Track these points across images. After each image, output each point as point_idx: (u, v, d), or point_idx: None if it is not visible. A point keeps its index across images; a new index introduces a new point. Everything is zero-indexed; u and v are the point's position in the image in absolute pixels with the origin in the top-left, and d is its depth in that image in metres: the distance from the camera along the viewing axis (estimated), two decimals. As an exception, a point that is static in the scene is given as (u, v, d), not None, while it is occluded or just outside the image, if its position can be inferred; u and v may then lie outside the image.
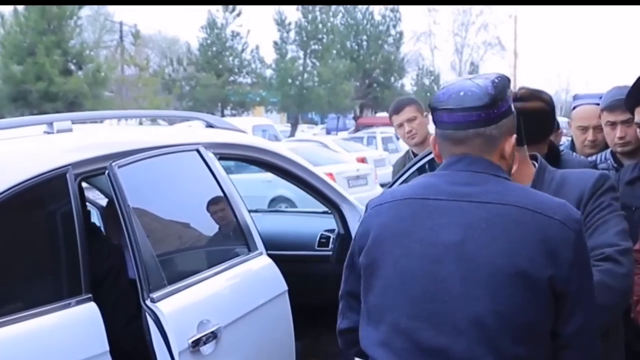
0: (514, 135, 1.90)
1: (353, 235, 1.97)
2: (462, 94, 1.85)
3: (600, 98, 3.52)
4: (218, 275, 2.90)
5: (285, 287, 3.17)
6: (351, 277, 1.96)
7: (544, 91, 2.71)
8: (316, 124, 45.61)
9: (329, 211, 4.15)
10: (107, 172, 2.60)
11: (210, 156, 3.14)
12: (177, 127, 3.59)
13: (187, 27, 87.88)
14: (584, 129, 3.50)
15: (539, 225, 1.73)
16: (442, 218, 1.78)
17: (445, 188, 1.83)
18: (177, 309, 2.58)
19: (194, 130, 3.48)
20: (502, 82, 1.88)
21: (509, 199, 1.77)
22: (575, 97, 3.67)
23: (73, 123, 2.81)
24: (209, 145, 3.20)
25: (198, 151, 3.10)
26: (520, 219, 1.74)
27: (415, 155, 4.35)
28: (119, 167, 2.62)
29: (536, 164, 2.35)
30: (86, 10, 32.01)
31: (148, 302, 2.52)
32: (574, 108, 3.58)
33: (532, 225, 1.73)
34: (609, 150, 3.37)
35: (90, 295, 2.39)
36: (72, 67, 26.28)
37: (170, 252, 2.95)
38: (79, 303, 2.36)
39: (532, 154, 2.41)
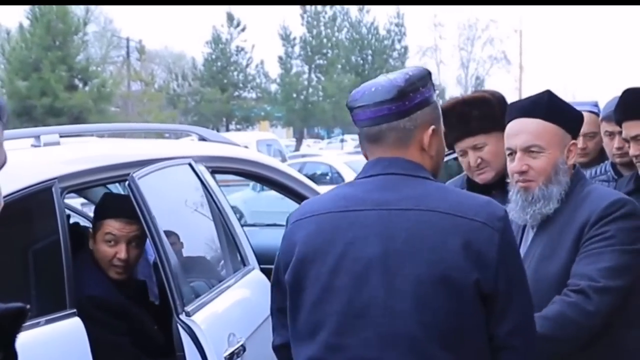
0: (432, 127, 1.85)
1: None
2: (373, 89, 1.83)
3: (594, 106, 3.49)
4: (230, 289, 2.89)
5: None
6: (278, 294, 1.92)
7: (496, 91, 2.82)
8: (322, 138, 45.57)
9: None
10: (128, 183, 2.55)
11: (202, 169, 3.11)
12: (170, 141, 3.56)
13: (192, 42, 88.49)
14: None
15: (460, 230, 1.71)
16: (362, 230, 1.75)
17: (363, 197, 1.80)
18: (211, 323, 2.55)
19: (186, 144, 3.45)
20: (418, 75, 1.85)
21: (428, 203, 1.74)
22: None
23: (61, 137, 2.78)
24: (202, 159, 3.17)
25: (190, 165, 3.07)
26: (441, 225, 1.71)
27: None
28: (139, 178, 2.58)
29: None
30: (93, 27, 32.27)
31: (183, 316, 2.47)
32: None
33: (454, 230, 1.71)
34: (609, 162, 3.33)
35: (75, 310, 2.35)
36: (78, 82, 26.43)
37: (188, 266, 2.93)
38: (63, 318, 2.32)
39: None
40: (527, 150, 2.27)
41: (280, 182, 3.66)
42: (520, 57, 46.43)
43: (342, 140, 36.57)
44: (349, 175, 16.95)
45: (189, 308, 2.50)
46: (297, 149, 31.45)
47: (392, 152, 1.83)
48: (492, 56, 46.84)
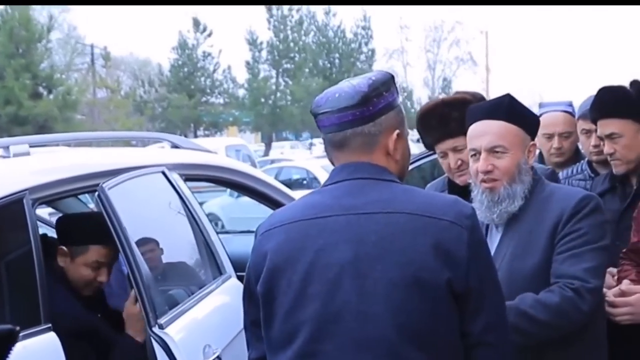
0: (397, 131, 1.86)
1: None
2: (337, 95, 1.84)
3: (569, 105, 3.51)
4: (205, 299, 2.85)
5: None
6: (251, 307, 1.91)
7: (477, 92, 2.84)
8: (291, 142, 45.56)
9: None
10: (97, 194, 2.50)
11: (175, 177, 3.07)
12: (142, 149, 3.51)
13: (158, 48, 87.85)
14: (550, 136, 3.47)
15: (429, 230, 1.72)
16: (332, 236, 1.75)
17: (331, 203, 1.80)
18: (185, 335, 2.51)
19: (158, 152, 3.40)
20: (381, 79, 1.85)
21: (396, 206, 1.75)
22: (540, 105, 3.64)
23: (31, 147, 2.72)
24: (175, 167, 3.13)
25: (163, 173, 3.03)
26: (410, 226, 1.72)
27: None
28: (109, 188, 2.53)
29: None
30: (56, 34, 31.88)
31: (156, 329, 2.43)
32: (540, 115, 3.55)
33: (423, 231, 1.72)
34: (585, 161, 3.35)
35: (50, 325, 2.30)
36: (42, 90, 26.12)
37: (159, 277, 2.88)
38: (38, 333, 2.26)
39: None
40: (492, 150, 2.34)
41: (255, 189, 3.64)
42: (487, 58, 46.89)
43: (310, 145, 36.59)
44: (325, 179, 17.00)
45: (162, 320, 2.46)
46: (266, 153, 31.39)
47: (357, 158, 1.83)
48: (458, 57, 47.26)
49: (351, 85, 1.84)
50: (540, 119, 3.51)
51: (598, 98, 2.81)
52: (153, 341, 2.43)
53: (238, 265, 3.21)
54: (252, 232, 5.23)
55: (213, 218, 13.15)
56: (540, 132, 3.50)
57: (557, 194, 2.33)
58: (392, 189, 1.80)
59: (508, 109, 2.36)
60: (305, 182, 14.91)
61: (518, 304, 2.17)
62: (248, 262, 1.89)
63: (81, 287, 2.83)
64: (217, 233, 3.29)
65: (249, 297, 1.91)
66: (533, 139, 2.42)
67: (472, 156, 2.39)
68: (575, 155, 3.51)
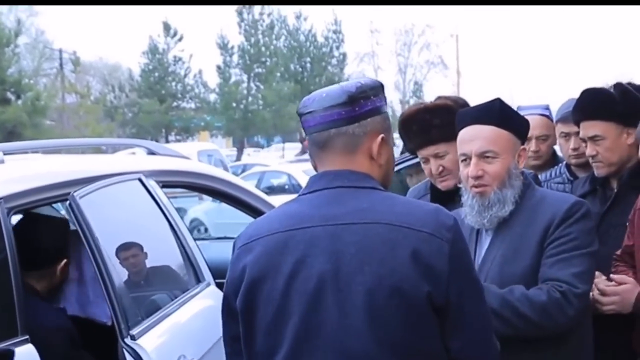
0: (382, 135, 1.83)
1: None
2: (324, 95, 1.83)
3: (546, 109, 3.54)
4: (181, 309, 2.81)
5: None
6: (230, 322, 1.87)
7: (459, 97, 2.86)
8: (262, 147, 45.49)
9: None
10: (68, 203, 2.47)
11: (152, 184, 3.04)
12: (118, 156, 3.48)
13: (128, 53, 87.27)
14: (527, 139, 3.49)
15: (408, 241, 1.68)
16: (311, 248, 1.72)
17: (310, 213, 1.77)
18: (159, 346, 2.48)
19: (135, 158, 3.37)
20: (370, 84, 1.85)
21: (375, 216, 1.72)
22: (518, 108, 3.66)
23: (5, 154, 2.67)
24: (151, 173, 3.10)
25: (140, 180, 3.00)
26: (389, 237, 1.69)
27: None
28: (80, 197, 2.50)
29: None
30: (24, 38, 31.48)
31: (128, 340, 2.39)
32: None
33: (402, 242, 1.68)
34: (563, 164, 3.38)
35: (28, 337, 2.25)
36: (10, 96, 25.76)
37: (135, 286, 2.85)
38: (15, 345, 2.21)
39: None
40: (482, 155, 2.34)
41: (231, 195, 3.62)
42: (457, 61, 47.17)
43: (282, 149, 36.55)
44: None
45: (135, 330, 2.43)
46: (238, 158, 31.28)
47: (340, 159, 1.81)
48: (429, 61, 47.48)
49: (339, 86, 1.84)
50: None
51: (581, 100, 2.83)
52: (125, 353, 2.39)
53: (217, 272, 3.18)
54: (230, 238, 5.23)
55: (198, 224, 13.17)
56: None
57: (548, 199, 2.35)
58: (372, 197, 1.77)
59: (499, 113, 2.37)
60: (286, 187, 14.89)
61: (506, 294, 2.20)
62: (227, 277, 1.86)
63: (46, 294, 2.81)
64: (195, 240, 3.26)
65: (227, 312, 1.87)
66: (523, 143, 2.43)
67: (462, 161, 2.39)
68: (553, 158, 3.53)
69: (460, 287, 1.70)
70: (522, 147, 2.40)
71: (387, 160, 1.86)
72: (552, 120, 3.51)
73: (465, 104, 2.81)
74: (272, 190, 14.46)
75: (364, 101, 1.81)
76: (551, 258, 2.24)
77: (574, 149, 3.20)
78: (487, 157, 2.33)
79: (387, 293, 1.66)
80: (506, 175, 2.33)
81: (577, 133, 3.16)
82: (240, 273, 1.78)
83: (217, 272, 3.24)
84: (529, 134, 3.45)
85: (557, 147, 3.55)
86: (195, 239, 3.39)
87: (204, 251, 3.23)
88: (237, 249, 1.84)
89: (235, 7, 35.34)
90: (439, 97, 2.97)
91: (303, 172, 14.91)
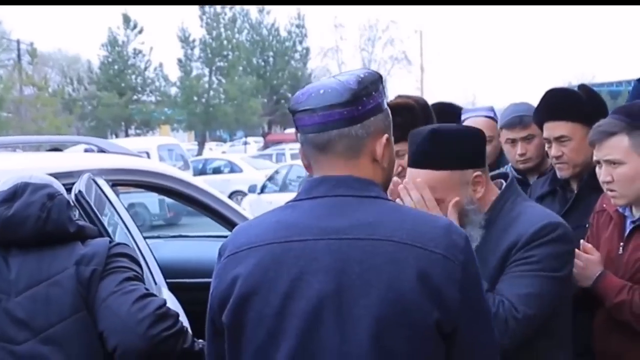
0: (385, 135, 1.70)
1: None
2: (322, 91, 1.65)
3: (490, 110, 3.54)
4: None
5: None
6: (217, 341, 1.70)
7: (420, 97, 2.72)
8: (225, 141, 45.26)
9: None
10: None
11: (102, 183, 2.96)
12: (68, 153, 3.39)
13: (88, 44, 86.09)
14: None
15: (418, 263, 1.54)
16: (311, 264, 1.56)
17: (309, 224, 1.61)
18: None
19: (84, 156, 3.29)
20: (370, 78, 1.68)
21: (383, 231, 1.57)
22: (463, 112, 3.64)
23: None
24: (101, 172, 3.03)
25: (90, 178, 2.91)
26: (397, 257, 1.54)
27: None
28: None
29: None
30: (-20, 29, 30.79)
31: None
32: (463, 121, 3.56)
33: (411, 263, 1.54)
34: (509, 166, 3.37)
35: None
36: (-35, 87, 25.19)
37: None
38: None
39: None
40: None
41: (184, 193, 3.55)
42: (421, 57, 47.39)
43: (245, 143, 36.41)
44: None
45: None
46: (199, 152, 31.07)
47: (342, 163, 1.66)
48: (393, 57, 47.63)
49: (338, 81, 1.65)
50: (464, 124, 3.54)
51: (547, 100, 2.80)
52: None
53: (169, 273, 3.12)
54: (184, 236, 5.16)
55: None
56: None
57: (522, 217, 2.14)
58: (379, 209, 1.62)
59: (432, 154, 2.13)
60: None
61: None
62: (211, 288, 1.69)
63: None
64: (145, 239, 3.19)
65: (213, 331, 1.70)
66: (479, 166, 2.17)
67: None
68: (498, 160, 3.53)
69: (470, 315, 1.58)
70: (474, 174, 2.14)
71: (389, 161, 1.73)
72: (496, 122, 3.51)
73: (425, 104, 2.75)
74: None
75: (366, 99, 1.65)
76: (507, 275, 2.08)
77: (521, 155, 3.20)
78: (437, 201, 2.11)
79: (394, 320, 1.52)
80: (462, 216, 2.13)
81: (523, 138, 3.17)
82: (229, 286, 1.61)
83: (171, 272, 3.18)
84: None
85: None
86: (149, 238, 3.33)
87: (156, 251, 3.16)
88: (224, 258, 1.66)
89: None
90: (399, 96, 2.90)
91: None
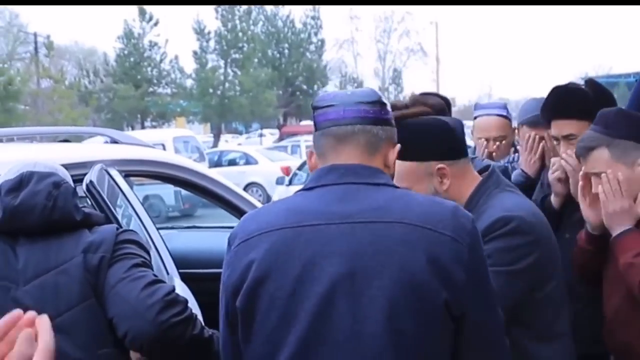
0: (398, 145, 1.79)
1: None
2: (349, 93, 1.77)
3: (503, 108, 3.48)
4: None
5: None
6: (232, 329, 1.73)
7: (435, 95, 2.60)
8: (240, 133, 45.33)
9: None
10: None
11: (114, 174, 2.97)
12: (81, 144, 3.41)
13: (104, 37, 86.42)
14: (485, 140, 3.44)
15: (428, 244, 1.59)
16: (323, 248, 1.61)
17: (320, 209, 1.65)
18: None
19: (97, 147, 3.31)
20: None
21: (393, 214, 1.62)
22: (476, 107, 3.59)
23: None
24: (113, 162, 3.04)
25: (103, 169, 2.92)
26: (408, 238, 1.59)
27: None
28: None
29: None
30: (-3, 22, 31.01)
31: None
32: (475, 118, 3.53)
33: (421, 244, 1.59)
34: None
35: None
36: (-17, 80, 25.39)
37: None
38: None
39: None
40: None
41: (196, 184, 3.55)
42: (437, 48, 47.40)
43: (260, 135, 36.44)
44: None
45: None
46: (215, 145, 31.14)
47: (359, 155, 1.72)
48: (408, 48, 47.59)
49: (364, 88, 1.80)
50: (477, 121, 3.51)
51: (554, 97, 2.75)
52: None
53: (181, 264, 3.13)
54: (197, 227, 5.18)
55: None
56: (475, 134, 3.48)
57: (487, 211, 2.14)
58: (386, 194, 1.67)
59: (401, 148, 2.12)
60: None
61: None
62: (223, 277, 1.73)
63: None
64: (162, 230, 3.21)
65: (229, 321, 1.73)
66: (442, 158, 2.19)
67: None
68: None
69: (476, 295, 1.62)
70: (437, 166, 2.17)
71: (393, 172, 1.83)
72: (509, 120, 3.46)
73: (443, 108, 2.64)
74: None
75: (387, 108, 1.79)
76: None
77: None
78: None
79: (406, 300, 1.56)
80: None
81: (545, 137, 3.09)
82: (243, 271, 1.65)
83: (183, 263, 3.19)
84: (486, 135, 3.40)
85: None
86: (162, 229, 3.34)
87: (169, 242, 3.17)
88: (234, 246, 1.70)
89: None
90: (416, 102, 2.72)
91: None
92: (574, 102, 2.71)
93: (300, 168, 14.71)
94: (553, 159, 2.79)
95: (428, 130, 2.21)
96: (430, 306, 1.57)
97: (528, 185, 2.96)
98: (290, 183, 14.02)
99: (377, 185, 1.69)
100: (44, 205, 2.07)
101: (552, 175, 2.78)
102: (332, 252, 1.60)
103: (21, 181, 2.11)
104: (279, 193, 13.94)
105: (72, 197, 2.15)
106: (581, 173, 2.45)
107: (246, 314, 1.66)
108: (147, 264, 2.13)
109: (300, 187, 1.80)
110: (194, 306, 3.01)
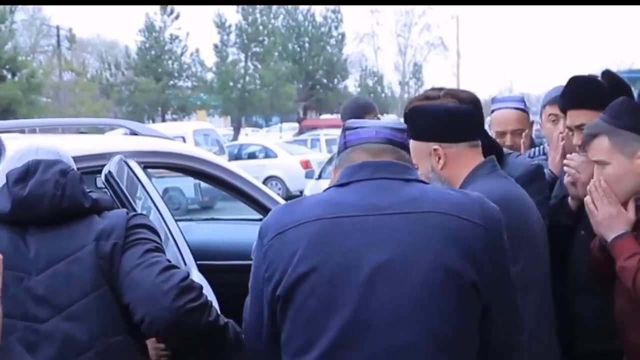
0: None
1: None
2: (380, 122, 1.91)
3: (520, 102, 3.47)
4: None
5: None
6: (272, 319, 1.77)
7: (465, 91, 2.60)
8: (260, 127, 45.41)
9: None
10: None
11: (134, 165, 2.98)
12: (100, 136, 3.43)
13: (125, 30, 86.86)
14: (502, 134, 3.41)
15: (461, 231, 1.69)
16: (363, 237, 1.67)
17: (356, 202, 1.72)
18: None
19: (116, 139, 3.32)
20: None
21: (428, 205, 1.72)
22: (493, 100, 3.57)
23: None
24: (132, 154, 3.05)
25: (122, 160, 2.94)
26: (444, 226, 1.69)
27: None
28: None
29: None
30: (21, 15, 31.32)
31: None
32: (492, 111, 3.51)
33: (455, 231, 1.69)
34: (544, 146, 3.32)
35: None
36: (6, 73, 25.66)
37: None
38: None
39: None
40: None
41: (215, 176, 3.56)
42: (458, 43, 47.10)
43: (280, 129, 36.49)
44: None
45: None
46: (234, 138, 31.23)
47: (379, 160, 1.83)
48: (429, 42, 47.44)
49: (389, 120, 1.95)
50: (494, 115, 3.49)
51: (569, 87, 2.75)
52: None
53: (199, 256, 3.14)
54: (215, 219, 5.19)
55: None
56: (493, 128, 3.46)
57: None
58: (421, 189, 1.77)
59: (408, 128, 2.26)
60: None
61: None
62: (257, 273, 1.78)
63: None
64: (180, 221, 3.22)
65: (271, 311, 1.76)
66: (438, 140, 2.29)
67: None
68: (530, 146, 3.47)
69: (499, 277, 1.73)
70: (433, 146, 2.28)
71: None
72: (527, 113, 3.45)
73: (473, 102, 2.61)
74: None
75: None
76: None
77: (561, 132, 3.14)
78: None
79: (443, 284, 1.64)
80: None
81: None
82: (284, 263, 1.70)
83: (201, 254, 3.20)
84: (503, 129, 3.38)
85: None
86: (180, 220, 3.36)
87: (187, 233, 3.18)
88: (269, 239, 1.75)
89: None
90: (444, 91, 2.71)
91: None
92: (587, 92, 2.70)
93: (329, 162, 14.56)
94: (565, 161, 2.77)
95: (431, 113, 2.32)
96: (464, 290, 1.66)
97: (554, 185, 2.94)
98: (320, 177, 13.87)
99: (409, 180, 1.78)
100: (52, 194, 2.06)
101: (565, 178, 2.77)
102: (371, 241, 1.67)
103: (28, 170, 2.10)
104: (310, 187, 13.72)
105: (80, 183, 2.14)
106: (588, 187, 2.43)
107: (286, 302, 1.70)
108: (160, 249, 2.12)
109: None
110: (209, 294, 3.03)
